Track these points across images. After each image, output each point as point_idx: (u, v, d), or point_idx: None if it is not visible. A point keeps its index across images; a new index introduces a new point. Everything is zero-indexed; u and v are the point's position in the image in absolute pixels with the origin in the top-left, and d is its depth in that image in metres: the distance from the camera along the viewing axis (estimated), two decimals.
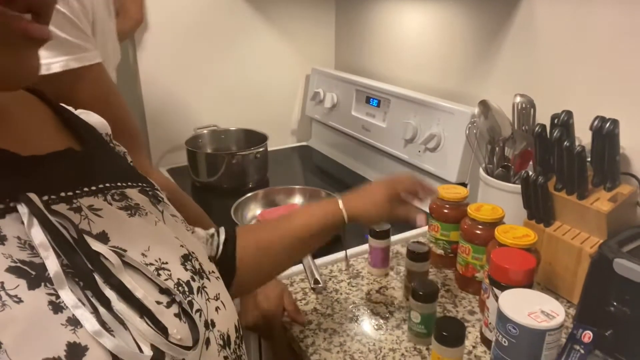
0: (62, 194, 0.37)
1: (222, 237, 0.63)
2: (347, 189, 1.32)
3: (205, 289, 0.42)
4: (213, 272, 0.46)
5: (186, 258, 0.43)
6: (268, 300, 0.76)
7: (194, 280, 0.41)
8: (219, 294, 0.44)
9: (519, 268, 0.67)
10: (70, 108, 0.48)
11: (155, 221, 0.43)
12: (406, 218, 0.69)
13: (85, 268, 0.33)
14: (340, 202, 0.67)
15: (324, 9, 1.61)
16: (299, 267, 0.89)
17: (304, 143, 1.70)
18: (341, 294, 0.85)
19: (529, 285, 0.68)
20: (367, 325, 0.77)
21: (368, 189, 0.71)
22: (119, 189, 0.42)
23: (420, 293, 0.70)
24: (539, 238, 0.78)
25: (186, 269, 0.41)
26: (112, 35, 0.93)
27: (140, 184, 0.46)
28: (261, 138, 1.38)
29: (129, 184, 0.44)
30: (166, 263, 0.40)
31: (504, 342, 0.61)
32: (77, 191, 0.38)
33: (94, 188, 0.39)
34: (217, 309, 0.42)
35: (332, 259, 0.94)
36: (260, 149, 1.32)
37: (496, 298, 0.67)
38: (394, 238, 0.99)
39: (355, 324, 0.77)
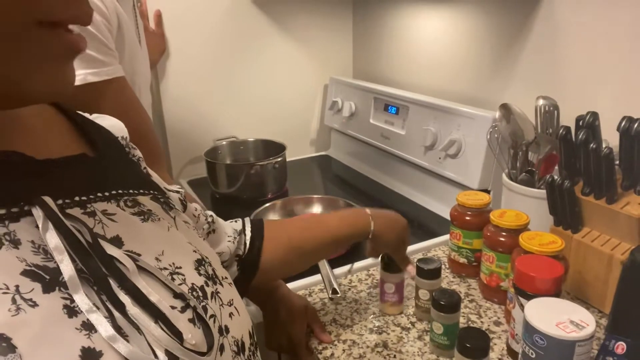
0: (77, 198, 0.36)
1: (249, 234, 0.67)
2: (367, 198, 1.31)
3: (219, 294, 0.42)
4: (226, 277, 0.46)
5: (200, 263, 0.42)
6: (293, 321, 0.74)
7: (207, 285, 0.41)
8: (232, 299, 0.44)
9: (545, 276, 0.64)
10: (85, 114, 0.49)
11: (167, 227, 0.43)
12: (402, 262, 0.77)
13: (100, 272, 0.33)
14: (370, 218, 0.72)
15: (341, 18, 1.61)
16: (317, 277, 0.87)
17: (323, 153, 1.69)
18: (361, 304, 0.83)
19: (557, 294, 0.65)
20: (388, 336, 0.75)
21: (393, 217, 0.76)
22: (131, 195, 0.42)
23: (442, 303, 0.68)
24: (566, 245, 0.75)
25: (200, 274, 0.41)
26: (142, 52, 0.94)
27: (152, 191, 0.46)
28: (280, 148, 1.37)
29: (141, 191, 0.44)
30: (180, 268, 0.40)
31: (531, 354, 0.58)
32: (91, 196, 0.38)
33: (107, 194, 0.39)
34: (230, 314, 0.42)
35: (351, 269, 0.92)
36: (279, 159, 1.32)
37: (522, 308, 0.64)
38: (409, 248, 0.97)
39: (375, 335, 0.75)
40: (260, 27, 1.49)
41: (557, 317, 0.58)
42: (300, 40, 1.56)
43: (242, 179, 1.29)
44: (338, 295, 0.83)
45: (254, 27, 1.48)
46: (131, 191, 0.42)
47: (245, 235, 0.66)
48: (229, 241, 0.64)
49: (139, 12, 1.03)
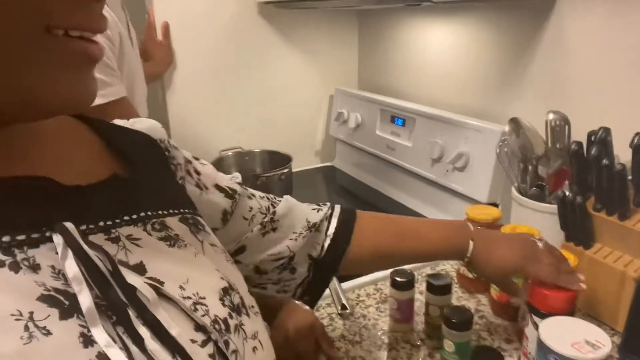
0: (101, 224, 0.36)
1: (330, 236, 0.61)
2: (372, 209, 1.30)
3: (243, 326, 0.40)
4: (253, 306, 0.44)
5: (225, 292, 0.41)
6: (301, 337, 0.72)
7: (231, 317, 0.39)
8: (257, 332, 0.41)
9: (559, 294, 0.63)
10: (122, 122, 0.48)
11: (194, 253, 0.42)
12: (507, 289, 0.67)
13: (119, 302, 0.32)
14: (471, 244, 0.63)
15: (347, 30, 1.61)
16: (326, 291, 0.86)
17: (328, 163, 1.69)
18: (369, 319, 0.82)
19: (571, 313, 0.64)
20: (397, 353, 0.74)
21: (501, 247, 0.64)
22: (159, 217, 0.41)
23: (454, 320, 0.67)
24: (578, 261, 0.74)
25: (224, 305, 0.39)
26: (139, 68, 0.94)
27: (182, 210, 0.44)
28: (285, 159, 1.37)
29: (171, 211, 0.43)
30: (204, 298, 0.38)
31: None
32: (117, 220, 0.37)
33: (134, 217, 0.38)
34: (254, 349, 0.40)
35: (359, 283, 0.91)
36: (285, 170, 1.32)
37: (536, 326, 0.63)
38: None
39: (384, 352, 0.74)
40: (267, 38, 1.49)
41: (572, 337, 0.57)
42: (306, 51, 1.56)
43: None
44: (348, 311, 0.82)
45: (260, 38, 1.48)
46: (160, 212, 0.41)
47: (326, 235, 0.61)
48: (291, 239, 0.59)
49: (146, 23, 1.04)
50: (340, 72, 1.65)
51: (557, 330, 0.59)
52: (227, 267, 0.45)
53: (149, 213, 0.40)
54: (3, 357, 0.26)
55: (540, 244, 0.66)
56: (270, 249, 0.58)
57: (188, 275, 0.38)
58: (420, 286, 0.88)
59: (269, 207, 0.59)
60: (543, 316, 0.62)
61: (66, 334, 0.29)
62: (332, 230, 0.61)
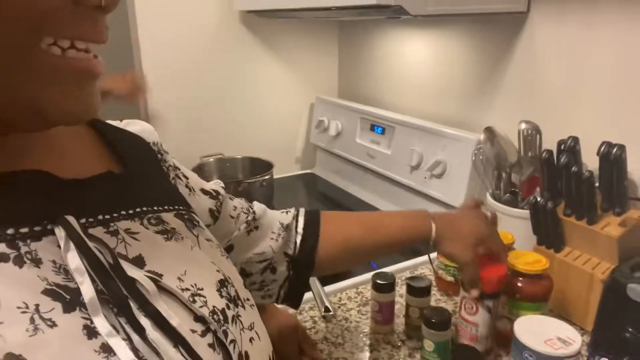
0: (100, 217, 0.37)
1: (300, 233, 0.64)
2: None
3: (239, 317, 0.41)
4: (248, 299, 0.45)
5: (222, 284, 0.42)
6: (284, 340, 0.72)
7: (229, 308, 0.40)
8: (253, 323, 0.43)
9: (491, 274, 0.68)
10: (115, 122, 0.49)
11: (191, 246, 0.43)
12: (470, 278, 0.67)
13: (121, 294, 0.33)
14: (432, 223, 0.67)
15: (328, 39, 1.65)
16: (308, 294, 0.88)
17: (308, 171, 1.71)
18: (351, 322, 0.84)
19: (496, 295, 0.70)
20: (379, 354, 0.76)
21: (461, 222, 0.69)
22: (155, 212, 0.42)
23: (433, 321, 0.69)
24: (549, 264, 0.78)
25: (221, 296, 0.41)
26: None
27: (176, 207, 0.46)
28: (267, 166, 1.38)
29: (166, 207, 0.44)
30: (202, 289, 0.39)
31: None
32: (115, 214, 0.38)
33: (131, 212, 0.40)
34: (251, 339, 0.41)
35: (341, 287, 0.93)
36: (266, 177, 1.33)
37: (488, 310, 0.70)
38: (395, 266, 0.99)
39: (366, 353, 0.76)
40: (249, 46, 1.51)
41: (545, 334, 0.60)
42: (287, 59, 1.59)
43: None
44: (331, 314, 0.84)
45: (242, 46, 1.50)
46: (155, 208, 0.42)
47: (296, 232, 0.64)
48: (272, 239, 0.62)
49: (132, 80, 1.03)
50: (321, 81, 1.67)
51: (530, 328, 0.62)
52: (222, 261, 0.46)
53: (145, 208, 0.41)
54: (8, 349, 0.27)
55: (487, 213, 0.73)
56: (255, 248, 0.61)
57: (185, 268, 0.40)
58: (401, 289, 0.90)
59: (248, 207, 0.63)
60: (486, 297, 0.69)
61: (70, 325, 0.30)
62: (300, 227, 0.65)
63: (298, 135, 1.70)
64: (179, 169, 0.54)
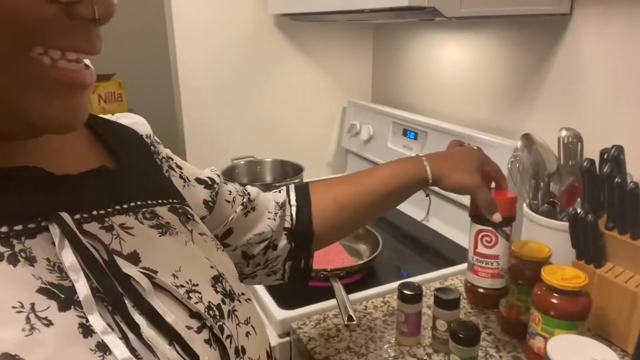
0: (94, 213, 0.37)
1: (294, 205, 0.64)
2: (382, 222, 1.30)
3: (235, 312, 0.41)
4: (243, 294, 0.45)
5: (216, 279, 0.42)
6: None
7: (224, 303, 0.40)
8: (249, 317, 0.43)
9: (503, 197, 0.67)
10: (107, 116, 0.49)
11: (185, 241, 0.43)
12: (487, 204, 0.64)
13: (116, 292, 0.33)
14: (425, 162, 0.65)
15: (362, 42, 1.63)
16: (332, 302, 0.86)
17: (339, 175, 1.69)
18: (376, 332, 0.81)
19: (512, 219, 0.69)
20: None
21: (456, 155, 0.67)
22: (149, 207, 0.42)
23: (461, 335, 0.66)
24: (589, 280, 0.73)
25: (217, 292, 0.41)
26: None
27: (170, 200, 0.46)
28: (297, 169, 1.38)
29: (160, 201, 0.44)
30: (197, 285, 0.39)
31: None
32: (109, 209, 0.38)
33: (125, 206, 0.40)
34: (247, 334, 0.41)
35: (366, 295, 0.91)
36: (296, 180, 1.32)
37: (506, 237, 0.68)
38: (424, 276, 0.96)
39: None
40: (282, 49, 1.51)
41: (580, 355, 0.57)
42: (320, 63, 1.58)
43: None
44: (354, 323, 0.82)
45: (275, 49, 1.50)
46: (150, 202, 0.42)
47: (290, 205, 0.64)
48: (269, 218, 0.62)
49: None
50: (354, 85, 1.66)
51: (565, 348, 0.58)
52: (216, 256, 0.46)
53: (139, 203, 0.41)
54: (4, 349, 0.27)
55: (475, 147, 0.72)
56: (254, 229, 0.61)
57: (180, 264, 0.39)
58: (429, 300, 0.87)
59: (243, 190, 0.63)
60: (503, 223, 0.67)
61: (66, 324, 0.30)
62: (293, 200, 0.65)
63: (330, 139, 1.69)
64: (172, 159, 0.55)
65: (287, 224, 0.64)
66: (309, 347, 0.77)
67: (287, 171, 1.42)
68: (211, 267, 0.43)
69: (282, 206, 0.64)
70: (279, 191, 0.67)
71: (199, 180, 0.58)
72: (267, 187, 1.29)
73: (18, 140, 0.35)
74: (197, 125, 1.45)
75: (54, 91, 0.31)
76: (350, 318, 0.81)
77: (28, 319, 0.29)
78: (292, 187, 0.67)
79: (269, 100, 1.54)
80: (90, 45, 0.32)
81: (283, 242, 0.63)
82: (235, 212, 0.60)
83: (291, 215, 0.64)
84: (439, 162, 0.65)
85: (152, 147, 0.51)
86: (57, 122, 0.32)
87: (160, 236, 0.41)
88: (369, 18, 1.35)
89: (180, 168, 0.55)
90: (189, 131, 1.45)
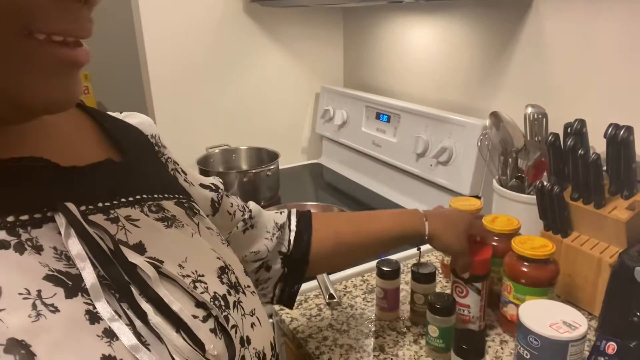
0: (100, 204, 0.37)
1: (294, 230, 0.64)
2: (359, 205, 1.33)
3: (241, 303, 0.41)
4: (249, 286, 0.45)
5: (222, 271, 0.42)
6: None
7: (230, 294, 0.40)
8: (254, 309, 0.43)
9: (480, 258, 0.72)
10: (114, 114, 0.49)
11: (191, 233, 0.43)
12: (464, 265, 0.71)
13: (122, 280, 0.33)
14: (425, 220, 0.68)
15: (332, 28, 1.63)
16: (313, 282, 0.88)
17: (315, 161, 1.71)
18: (356, 309, 0.83)
19: (483, 277, 0.73)
20: (384, 340, 0.76)
21: (451, 217, 0.71)
22: (155, 200, 0.42)
23: (438, 306, 0.69)
24: (556, 249, 0.77)
25: (222, 282, 0.41)
26: None
27: (177, 195, 0.46)
28: (272, 156, 1.38)
29: (166, 195, 0.44)
30: (202, 276, 0.39)
31: (526, 354, 0.59)
32: (115, 202, 0.38)
33: (130, 199, 0.39)
34: (252, 325, 0.41)
35: (346, 275, 0.93)
36: (272, 167, 1.33)
37: (477, 291, 0.73)
38: (401, 254, 0.99)
39: (371, 340, 0.76)
40: (253, 36, 1.50)
41: (550, 318, 0.60)
42: (292, 49, 1.58)
43: (235, 187, 1.30)
44: (335, 301, 0.84)
45: (246, 36, 1.49)
46: (156, 196, 0.42)
47: (289, 230, 0.65)
48: (267, 238, 0.62)
49: None
50: (326, 70, 1.67)
51: (536, 313, 0.61)
52: (222, 249, 0.46)
53: (145, 196, 0.41)
54: (11, 334, 0.27)
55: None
56: (250, 247, 0.62)
57: (186, 254, 0.40)
58: (406, 277, 0.90)
59: (243, 206, 0.63)
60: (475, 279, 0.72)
61: (73, 311, 0.30)
62: (294, 225, 0.65)
63: (304, 126, 1.70)
64: (178, 164, 0.55)
65: (284, 249, 0.64)
66: (291, 327, 0.79)
67: (263, 158, 1.42)
68: (217, 258, 0.43)
69: (280, 228, 0.64)
70: (280, 212, 0.67)
71: (203, 186, 0.57)
72: (243, 175, 1.30)
73: (12, 125, 0.34)
74: (169, 115, 1.44)
75: (49, 70, 0.31)
76: (331, 296, 0.83)
77: (34, 306, 0.29)
78: (294, 211, 0.67)
79: (241, 88, 1.53)
80: (83, 29, 0.32)
81: (277, 265, 0.63)
82: (236, 227, 0.60)
83: (289, 240, 0.64)
84: (437, 223, 0.68)
85: (156, 147, 0.51)
86: (53, 102, 0.32)
87: (166, 228, 0.40)
88: (338, 2, 1.36)
89: (185, 173, 0.55)
90: (161, 122, 1.43)
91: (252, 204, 0.65)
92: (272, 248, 0.63)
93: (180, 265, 0.38)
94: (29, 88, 0.30)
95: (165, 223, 0.41)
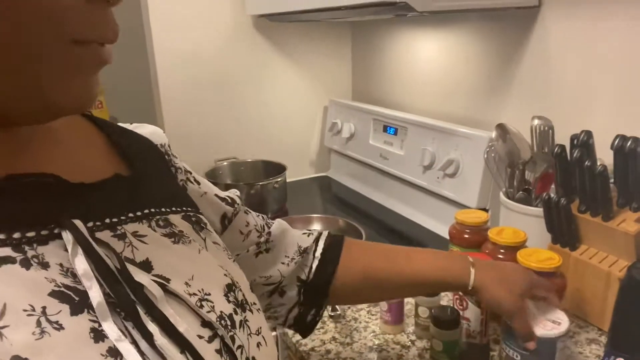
0: (107, 221, 0.36)
1: (318, 257, 0.60)
2: (366, 218, 1.32)
3: (247, 322, 0.41)
4: (255, 303, 0.44)
5: (230, 288, 0.41)
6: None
7: (236, 313, 0.40)
8: (260, 328, 0.42)
9: None
10: (125, 125, 0.50)
11: (198, 249, 0.42)
12: (523, 330, 0.58)
13: (128, 299, 0.33)
14: (472, 269, 0.59)
15: (340, 42, 1.65)
16: None
17: (323, 174, 1.71)
18: (360, 322, 0.83)
19: None
20: (388, 354, 0.75)
21: (508, 272, 0.61)
22: (163, 214, 0.42)
23: (442, 320, 0.68)
24: (564, 262, 0.76)
25: (229, 301, 0.40)
26: None
27: (184, 208, 0.45)
28: (280, 169, 1.39)
29: (173, 209, 0.44)
30: (209, 294, 0.39)
31: (516, 356, 0.59)
32: (122, 217, 0.38)
33: (139, 214, 0.39)
34: (258, 344, 0.41)
35: None
36: (279, 179, 1.33)
37: (478, 305, 0.70)
38: None
39: (375, 354, 0.75)
40: (261, 50, 1.52)
41: (533, 318, 0.60)
42: (300, 63, 1.59)
43: (243, 199, 1.30)
44: (338, 313, 0.83)
45: (255, 50, 1.51)
46: (163, 209, 0.42)
47: (314, 257, 0.60)
48: (283, 263, 0.58)
49: None
50: (335, 83, 1.67)
51: None
52: (229, 265, 0.45)
53: (153, 210, 0.41)
54: (15, 352, 0.27)
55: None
56: (261, 271, 0.58)
57: (193, 272, 0.39)
58: None
59: (263, 226, 0.59)
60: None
61: (77, 328, 0.30)
62: (319, 252, 0.60)
63: (312, 139, 1.70)
64: (190, 173, 0.54)
65: (303, 276, 0.60)
66: (294, 340, 0.78)
67: (270, 171, 1.42)
68: (225, 275, 0.42)
69: (303, 253, 0.60)
70: (309, 234, 0.63)
71: (219, 197, 0.55)
72: (250, 187, 1.30)
73: (33, 125, 0.35)
74: (179, 128, 1.46)
75: (76, 69, 0.32)
76: (334, 309, 0.83)
77: (39, 323, 0.28)
78: (324, 234, 0.62)
79: (250, 101, 1.54)
80: (112, 33, 0.33)
81: (292, 291, 0.59)
82: (247, 250, 0.57)
83: (310, 267, 0.60)
84: (486, 273, 0.59)
85: (166, 156, 0.50)
86: (80, 101, 0.33)
87: (173, 244, 0.40)
88: (344, 16, 1.37)
89: (199, 183, 0.54)
90: (170, 135, 1.43)
91: (276, 223, 0.61)
92: (289, 273, 0.59)
93: (186, 283, 0.38)
94: (62, 88, 0.31)
95: (173, 239, 0.41)
